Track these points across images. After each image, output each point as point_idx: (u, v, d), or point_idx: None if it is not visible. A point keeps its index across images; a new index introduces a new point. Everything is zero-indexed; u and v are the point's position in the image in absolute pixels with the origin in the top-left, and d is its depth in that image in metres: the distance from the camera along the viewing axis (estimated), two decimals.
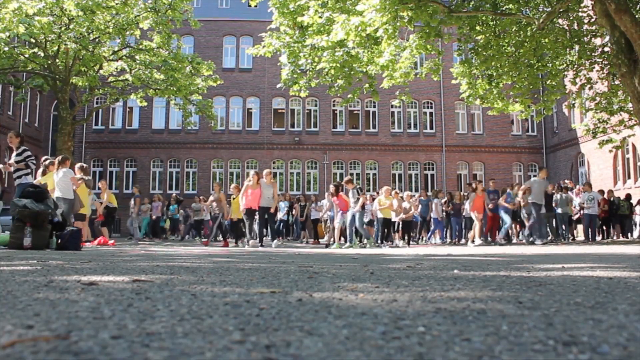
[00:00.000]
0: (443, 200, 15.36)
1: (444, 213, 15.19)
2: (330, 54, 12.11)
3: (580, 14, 13.52)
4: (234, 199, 12.90)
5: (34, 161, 8.27)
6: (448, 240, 15.30)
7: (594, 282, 2.10)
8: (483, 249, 9.11)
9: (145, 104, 20.19)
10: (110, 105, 21.51)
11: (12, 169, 8.03)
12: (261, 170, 12.30)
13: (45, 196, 6.71)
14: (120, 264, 3.18)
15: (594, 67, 14.28)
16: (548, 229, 13.43)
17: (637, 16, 9.91)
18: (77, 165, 10.47)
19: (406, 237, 13.98)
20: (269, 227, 11.47)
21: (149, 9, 16.88)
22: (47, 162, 9.94)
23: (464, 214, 14.69)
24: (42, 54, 16.56)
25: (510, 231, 14.95)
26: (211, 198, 13.11)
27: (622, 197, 16.28)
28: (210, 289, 1.76)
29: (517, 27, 13.04)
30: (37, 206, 6.39)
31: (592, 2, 10.64)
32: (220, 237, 13.17)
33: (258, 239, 10.95)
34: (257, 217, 11.62)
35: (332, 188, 12.10)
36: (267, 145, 27.48)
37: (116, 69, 18.06)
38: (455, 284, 1.97)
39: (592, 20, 13.03)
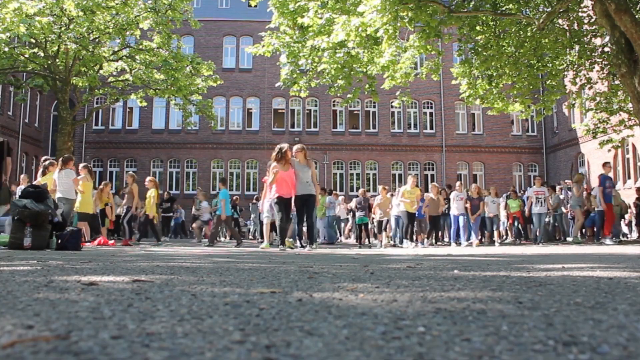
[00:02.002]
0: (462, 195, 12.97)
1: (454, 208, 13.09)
2: (330, 54, 12.12)
3: (580, 14, 13.52)
4: (150, 194, 11.71)
5: None
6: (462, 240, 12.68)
7: (594, 282, 2.10)
8: (482, 249, 9.08)
9: (145, 104, 20.20)
10: (110, 105, 21.53)
11: None
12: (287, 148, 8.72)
13: (45, 196, 6.71)
14: (120, 264, 3.18)
15: (594, 67, 14.28)
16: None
17: (637, 16, 9.91)
18: (81, 165, 10.52)
19: (425, 235, 12.58)
20: (305, 225, 8.66)
21: (149, 9, 16.90)
22: (46, 162, 9.98)
23: (487, 212, 12.96)
24: (42, 54, 16.57)
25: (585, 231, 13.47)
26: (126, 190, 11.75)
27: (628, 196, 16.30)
28: (210, 289, 1.76)
29: (517, 27, 13.05)
30: (37, 206, 6.39)
31: (592, 2, 10.64)
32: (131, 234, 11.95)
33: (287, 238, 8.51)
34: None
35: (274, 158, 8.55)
36: (267, 145, 27.48)
37: (116, 69, 18.07)
38: (455, 284, 1.97)
39: (592, 20, 13.03)
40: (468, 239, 12.56)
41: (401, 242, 12.05)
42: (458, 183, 13.30)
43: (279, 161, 8.19)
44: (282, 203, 8.18)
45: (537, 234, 13.11)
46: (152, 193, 11.86)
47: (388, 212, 12.59)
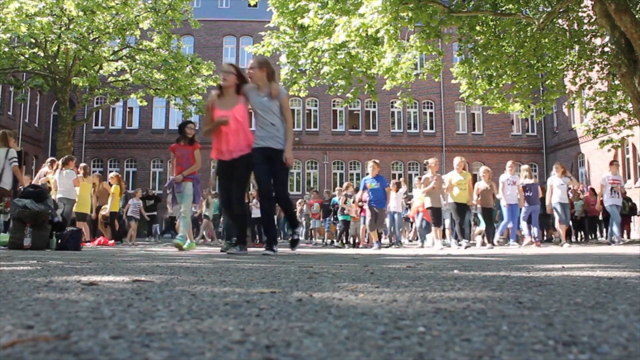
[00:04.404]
0: (523, 178, 10.31)
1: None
2: (331, 55, 12.13)
3: (580, 14, 13.55)
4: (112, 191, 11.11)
5: None
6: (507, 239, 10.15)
7: (594, 282, 2.10)
8: (483, 249, 9.05)
9: (145, 104, 20.21)
10: (110, 105, 21.55)
11: None
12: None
13: (45, 196, 6.72)
14: (120, 264, 3.17)
15: (594, 67, 14.31)
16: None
17: (637, 16, 9.92)
18: (80, 165, 10.55)
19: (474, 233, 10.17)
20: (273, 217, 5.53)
21: (149, 9, 16.92)
22: (49, 160, 10.08)
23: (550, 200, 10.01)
24: (42, 54, 16.58)
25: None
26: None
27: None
28: (210, 289, 1.76)
29: (517, 27, 13.07)
30: (37, 206, 6.39)
31: (592, 2, 10.65)
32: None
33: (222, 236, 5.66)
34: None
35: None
36: None
37: (116, 69, 18.09)
38: (455, 284, 1.97)
39: (592, 20, 13.05)
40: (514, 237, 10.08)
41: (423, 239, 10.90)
42: (510, 163, 10.33)
43: (220, 96, 4.95)
44: (226, 171, 4.96)
45: (614, 230, 10.46)
46: (114, 190, 11.42)
47: (438, 196, 9.53)
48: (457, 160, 9.45)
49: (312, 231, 16.79)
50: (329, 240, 14.59)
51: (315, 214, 15.82)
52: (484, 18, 12.85)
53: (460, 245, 9.02)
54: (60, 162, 9.79)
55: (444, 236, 10.77)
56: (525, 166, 10.93)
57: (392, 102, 25.54)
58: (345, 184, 13.18)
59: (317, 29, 12.14)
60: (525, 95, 13.91)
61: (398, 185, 12.08)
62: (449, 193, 9.25)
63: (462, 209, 9.24)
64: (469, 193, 9.27)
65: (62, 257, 4.29)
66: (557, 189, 10.04)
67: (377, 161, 9.05)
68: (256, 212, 14.38)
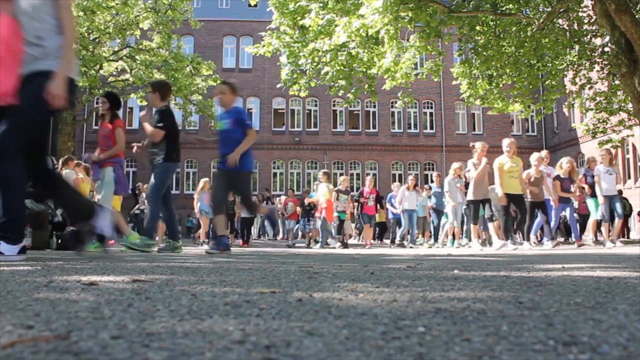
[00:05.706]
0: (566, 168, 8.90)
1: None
2: (332, 55, 12.13)
3: (580, 14, 13.56)
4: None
5: None
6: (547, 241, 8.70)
7: (594, 282, 2.10)
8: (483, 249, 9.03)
9: (145, 103, 20.20)
10: None
11: None
12: None
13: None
14: (120, 264, 3.17)
15: (594, 67, 14.33)
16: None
17: (637, 16, 9.93)
18: (81, 166, 10.54)
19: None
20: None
21: (149, 9, 16.95)
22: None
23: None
24: None
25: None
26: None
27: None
28: (210, 289, 1.76)
29: (517, 28, 13.08)
30: (37, 206, 6.40)
31: (592, 2, 10.66)
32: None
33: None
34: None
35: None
36: (267, 145, 27.49)
37: (116, 69, 18.12)
38: (455, 284, 1.97)
39: (592, 20, 13.06)
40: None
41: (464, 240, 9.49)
42: (545, 152, 9.13)
43: None
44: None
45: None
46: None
47: (485, 187, 7.95)
48: (506, 141, 7.84)
49: (289, 232, 15.72)
50: (308, 241, 14.01)
51: (291, 214, 14.97)
52: (484, 18, 12.85)
53: (514, 243, 7.73)
54: (60, 162, 9.78)
55: (445, 237, 10.63)
56: (566, 158, 9.56)
57: (392, 102, 25.56)
58: (342, 178, 12.36)
59: (318, 30, 12.15)
60: (525, 95, 13.92)
61: (413, 184, 11.91)
62: (498, 182, 7.71)
63: (513, 201, 7.72)
64: (521, 183, 7.85)
65: (62, 257, 4.29)
66: (602, 181, 8.64)
67: (231, 82, 5.72)
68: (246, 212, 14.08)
